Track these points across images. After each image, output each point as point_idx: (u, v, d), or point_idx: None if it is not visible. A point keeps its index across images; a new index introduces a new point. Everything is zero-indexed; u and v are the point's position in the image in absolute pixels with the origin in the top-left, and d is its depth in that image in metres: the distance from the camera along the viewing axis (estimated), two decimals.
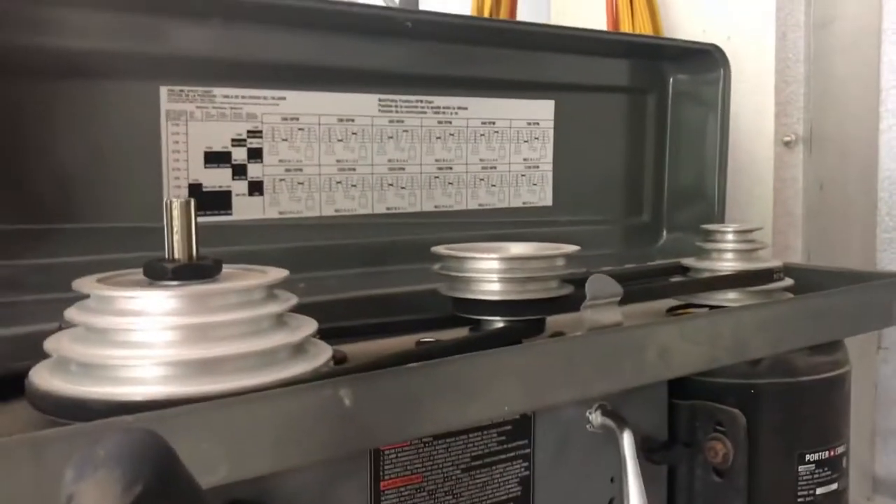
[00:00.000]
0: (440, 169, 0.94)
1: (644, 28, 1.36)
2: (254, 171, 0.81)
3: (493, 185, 0.99)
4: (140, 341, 0.50)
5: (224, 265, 0.56)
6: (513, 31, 0.94)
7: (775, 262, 0.87)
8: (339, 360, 0.63)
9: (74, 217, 0.74)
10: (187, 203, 0.53)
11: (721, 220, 1.09)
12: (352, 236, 0.88)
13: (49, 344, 0.52)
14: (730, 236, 0.89)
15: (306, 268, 0.80)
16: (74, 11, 0.71)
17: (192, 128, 0.77)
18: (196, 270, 0.53)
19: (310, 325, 0.56)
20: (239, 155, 0.80)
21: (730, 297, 0.85)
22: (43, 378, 0.50)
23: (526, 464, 0.63)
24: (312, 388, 0.47)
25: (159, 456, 0.31)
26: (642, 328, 0.63)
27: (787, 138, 1.32)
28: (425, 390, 0.50)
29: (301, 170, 0.84)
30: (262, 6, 0.78)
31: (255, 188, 0.82)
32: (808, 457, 0.77)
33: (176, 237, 0.53)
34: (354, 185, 0.88)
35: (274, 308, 0.53)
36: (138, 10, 0.74)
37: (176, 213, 0.53)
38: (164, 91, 0.76)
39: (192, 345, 0.50)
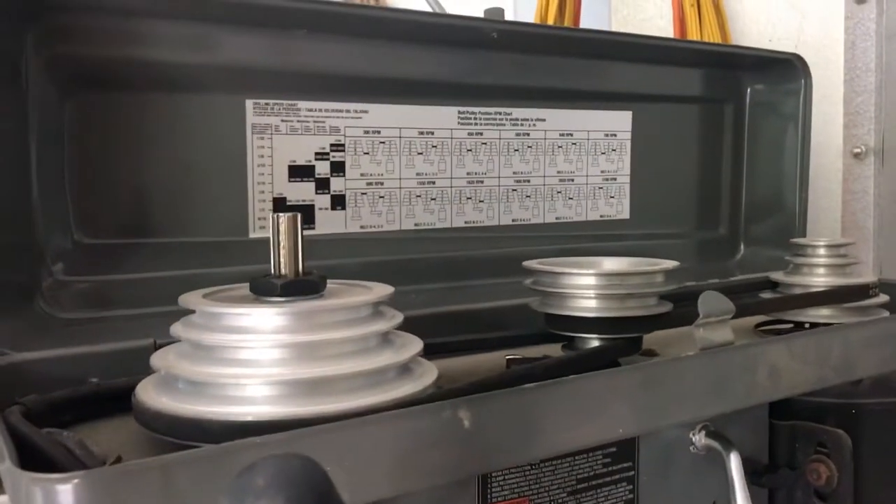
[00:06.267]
0: (518, 182, 0.92)
1: (713, 37, 1.33)
2: (336, 184, 0.80)
3: (571, 198, 0.97)
4: (249, 359, 0.48)
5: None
6: (595, 41, 0.92)
7: (870, 278, 0.84)
8: None
9: (160, 232, 0.73)
10: (294, 218, 0.52)
11: (802, 234, 1.06)
12: (431, 250, 0.87)
13: (156, 360, 0.51)
14: (821, 251, 0.86)
15: (387, 282, 0.79)
16: (162, 24, 0.71)
17: (277, 141, 0.77)
18: (303, 286, 0.51)
19: (415, 344, 0.54)
20: (322, 168, 0.79)
21: (822, 313, 0.82)
22: (150, 395, 0.49)
23: (630, 486, 0.61)
24: (433, 409, 0.45)
25: (318, 482, 0.29)
26: (755, 346, 0.61)
27: (857, 150, 1.29)
28: (543, 411, 0.49)
29: (382, 183, 0.83)
30: (346, 18, 0.77)
31: (338, 202, 0.81)
32: None
33: (283, 252, 0.52)
34: (434, 199, 0.86)
35: (381, 326, 0.52)
36: (225, 23, 0.73)
37: (283, 227, 0.52)
38: (249, 104, 0.75)
39: (302, 363, 0.48)
